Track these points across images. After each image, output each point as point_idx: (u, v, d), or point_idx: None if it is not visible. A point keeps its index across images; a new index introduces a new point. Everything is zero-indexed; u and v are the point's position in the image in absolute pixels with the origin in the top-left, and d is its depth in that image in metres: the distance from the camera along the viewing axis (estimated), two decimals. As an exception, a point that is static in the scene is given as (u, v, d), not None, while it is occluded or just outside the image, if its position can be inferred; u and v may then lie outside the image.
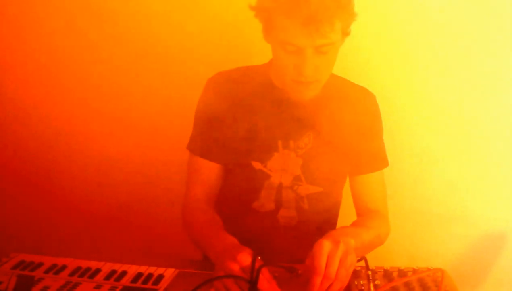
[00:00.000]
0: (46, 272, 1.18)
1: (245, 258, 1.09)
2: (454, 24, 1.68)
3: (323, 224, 1.44)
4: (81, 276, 1.17)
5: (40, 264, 1.21)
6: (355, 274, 1.17)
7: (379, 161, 1.47)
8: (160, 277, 1.18)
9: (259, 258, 1.10)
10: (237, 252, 1.11)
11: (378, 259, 1.16)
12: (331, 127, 1.40)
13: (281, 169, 1.38)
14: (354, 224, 1.40)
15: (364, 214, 1.47)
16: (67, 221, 1.87)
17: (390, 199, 1.47)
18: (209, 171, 1.43)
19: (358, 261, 1.14)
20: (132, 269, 1.20)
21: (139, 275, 1.18)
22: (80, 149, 1.89)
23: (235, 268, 1.08)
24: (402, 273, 1.17)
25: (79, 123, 1.89)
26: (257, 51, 1.43)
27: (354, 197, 1.50)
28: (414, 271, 1.17)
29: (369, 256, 1.14)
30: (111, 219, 1.89)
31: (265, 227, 1.42)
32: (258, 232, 1.41)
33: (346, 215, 1.49)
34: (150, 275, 1.18)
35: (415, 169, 1.81)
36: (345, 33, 1.26)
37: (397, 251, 1.63)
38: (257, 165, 1.38)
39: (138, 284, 1.14)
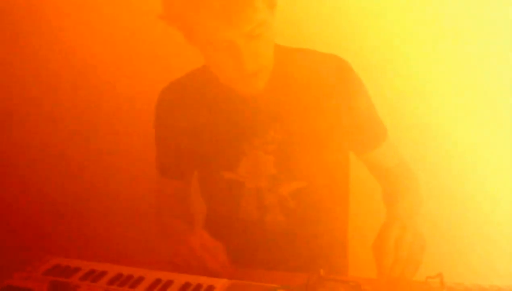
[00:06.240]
0: (83, 278, 1.07)
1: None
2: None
3: (324, 223, 1.32)
4: (122, 284, 1.05)
5: (77, 269, 1.10)
6: (431, 291, 1.04)
7: (376, 133, 1.31)
8: (211, 288, 1.06)
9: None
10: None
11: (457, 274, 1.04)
12: (298, 112, 1.23)
13: (253, 172, 1.25)
14: (387, 203, 1.31)
15: (388, 187, 1.36)
16: (108, 224, 1.78)
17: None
18: (179, 190, 1.37)
19: (434, 277, 1.01)
20: (179, 279, 1.08)
21: (187, 285, 1.06)
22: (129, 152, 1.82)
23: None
24: (484, 291, 1.05)
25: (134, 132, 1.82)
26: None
27: (371, 173, 1.38)
28: (499, 289, 1.04)
29: (447, 272, 1.01)
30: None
31: (254, 237, 1.31)
32: (250, 242, 1.31)
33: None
34: (199, 286, 1.06)
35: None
36: (271, 5, 1.10)
37: (474, 267, 1.51)
38: (227, 174, 1.26)
39: (186, 295, 1.03)
